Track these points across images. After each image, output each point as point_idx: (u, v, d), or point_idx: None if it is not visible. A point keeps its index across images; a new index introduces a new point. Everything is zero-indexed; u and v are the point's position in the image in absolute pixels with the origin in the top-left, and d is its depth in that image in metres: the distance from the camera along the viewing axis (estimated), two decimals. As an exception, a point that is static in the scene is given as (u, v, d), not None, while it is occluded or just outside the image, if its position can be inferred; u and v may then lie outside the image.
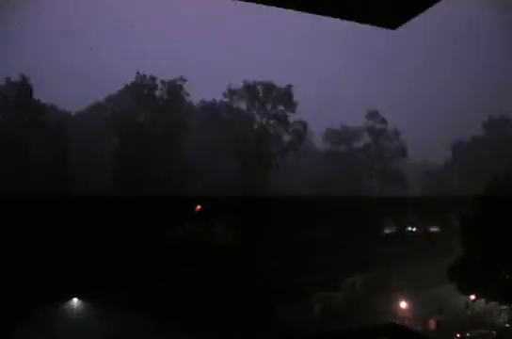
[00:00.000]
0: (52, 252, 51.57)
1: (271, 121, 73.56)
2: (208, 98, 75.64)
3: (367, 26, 11.77)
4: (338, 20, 11.89)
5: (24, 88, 62.84)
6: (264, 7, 11.69)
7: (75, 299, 52.59)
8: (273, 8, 11.77)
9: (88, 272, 49.95)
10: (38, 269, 49.47)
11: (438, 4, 11.55)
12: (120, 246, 54.67)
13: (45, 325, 48.17)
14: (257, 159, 70.44)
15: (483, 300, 53.72)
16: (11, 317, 47.05)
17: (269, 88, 72.66)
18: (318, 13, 11.85)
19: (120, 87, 70.08)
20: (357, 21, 11.94)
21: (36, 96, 63.61)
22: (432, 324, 55.68)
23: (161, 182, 63.43)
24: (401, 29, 11.89)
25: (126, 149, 64.51)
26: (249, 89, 72.27)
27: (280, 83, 72.72)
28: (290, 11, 11.72)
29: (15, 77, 62.85)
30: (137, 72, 68.67)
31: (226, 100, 72.89)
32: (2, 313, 46.38)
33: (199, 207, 67.26)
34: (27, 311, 47.91)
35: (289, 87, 72.52)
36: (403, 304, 57.54)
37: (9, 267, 48.59)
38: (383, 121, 79.52)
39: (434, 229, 79.16)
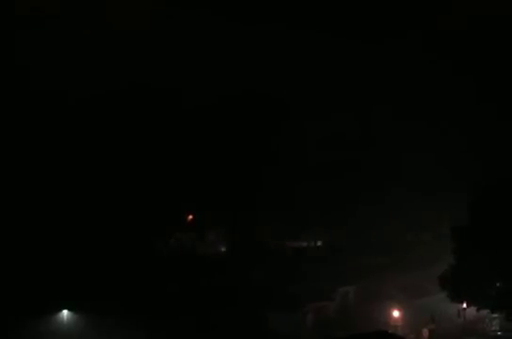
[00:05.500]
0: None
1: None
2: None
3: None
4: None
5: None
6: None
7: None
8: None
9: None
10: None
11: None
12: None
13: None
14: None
15: (475, 308, 53.69)
16: None
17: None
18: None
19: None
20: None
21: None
22: (425, 333, 55.61)
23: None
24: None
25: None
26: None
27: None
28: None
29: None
30: None
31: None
32: None
33: (191, 217, 67.13)
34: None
35: None
36: (395, 313, 57.42)
37: None
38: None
39: (425, 237, 79.00)
